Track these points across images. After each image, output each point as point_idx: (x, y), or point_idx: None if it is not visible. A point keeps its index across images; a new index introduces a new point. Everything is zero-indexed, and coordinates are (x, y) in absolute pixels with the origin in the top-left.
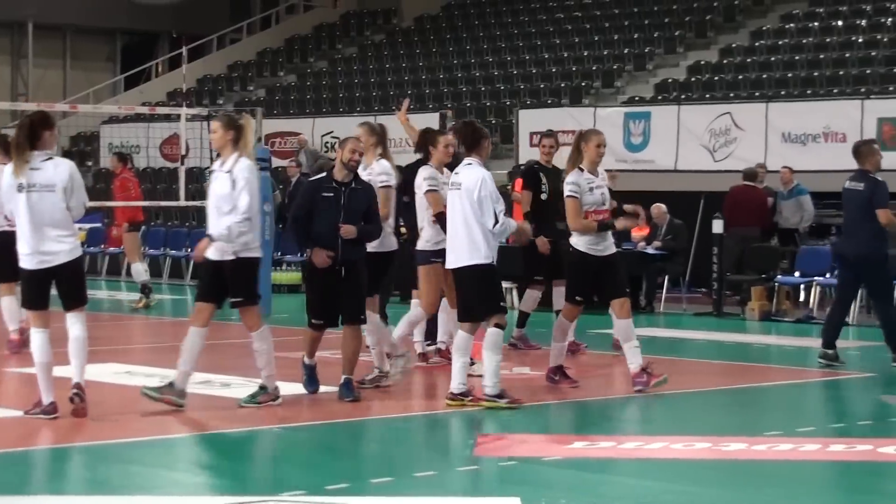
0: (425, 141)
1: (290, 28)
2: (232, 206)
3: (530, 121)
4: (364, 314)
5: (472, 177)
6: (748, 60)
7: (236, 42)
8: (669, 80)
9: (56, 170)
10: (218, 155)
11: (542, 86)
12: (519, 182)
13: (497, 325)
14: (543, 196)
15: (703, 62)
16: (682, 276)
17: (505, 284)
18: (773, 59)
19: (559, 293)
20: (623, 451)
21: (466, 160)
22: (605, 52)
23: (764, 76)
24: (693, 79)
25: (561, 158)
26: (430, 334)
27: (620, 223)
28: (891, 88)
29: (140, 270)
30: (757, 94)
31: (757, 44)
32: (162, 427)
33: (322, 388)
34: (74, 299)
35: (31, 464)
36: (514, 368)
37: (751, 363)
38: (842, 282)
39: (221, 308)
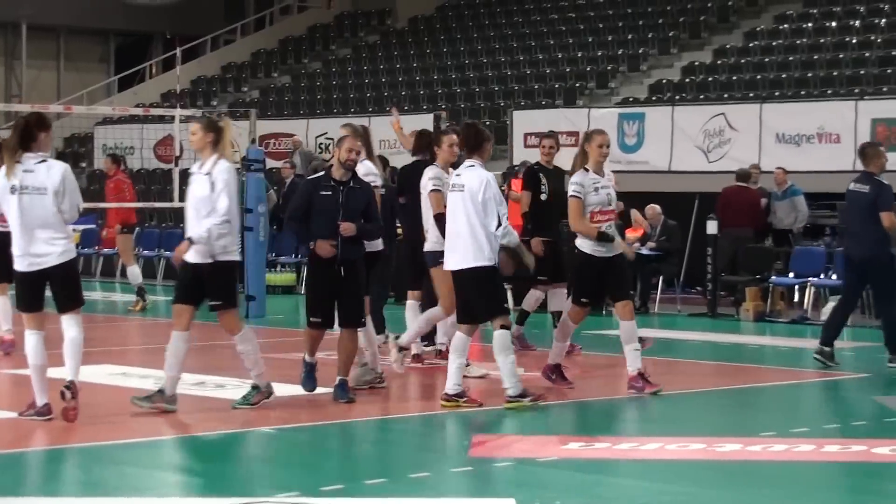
0: (425, 142)
1: (284, 29)
2: (211, 208)
3: (524, 122)
4: (363, 318)
5: (477, 178)
6: (742, 61)
7: (230, 43)
8: (663, 81)
9: (49, 172)
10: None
11: (536, 87)
12: (515, 182)
13: (502, 327)
14: (543, 196)
15: (697, 63)
16: (677, 276)
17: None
18: (766, 59)
19: (553, 294)
20: (618, 452)
21: (468, 162)
22: (600, 53)
23: (758, 77)
24: (687, 79)
25: (560, 159)
26: (428, 335)
27: (621, 246)
28: (885, 89)
29: (136, 273)
30: (751, 94)
31: (751, 44)
32: (157, 429)
33: (319, 389)
34: (68, 301)
35: (25, 466)
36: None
37: (745, 364)
38: (847, 283)
39: (198, 310)
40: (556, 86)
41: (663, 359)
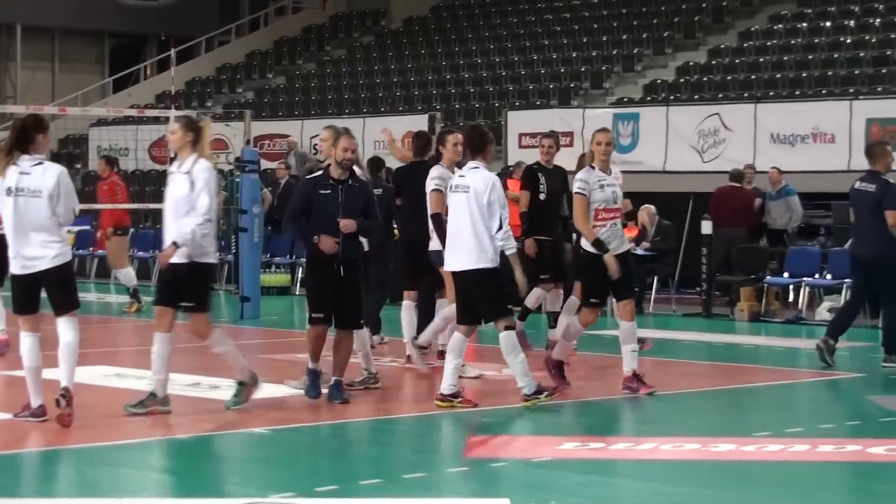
0: (423, 143)
1: (278, 30)
2: (189, 207)
3: (519, 122)
4: (361, 319)
5: (482, 180)
6: (737, 61)
7: (225, 44)
8: (658, 81)
9: (44, 175)
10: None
11: (530, 87)
12: (510, 182)
13: (507, 328)
14: (542, 196)
15: (691, 63)
16: (672, 276)
17: None
18: (761, 59)
19: (551, 294)
20: (613, 452)
21: (472, 163)
22: (594, 54)
23: (752, 77)
24: (682, 80)
25: (560, 159)
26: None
27: (608, 261)
28: (879, 89)
29: (130, 275)
30: (745, 94)
31: (745, 45)
32: (151, 430)
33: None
34: (63, 304)
35: (20, 467)
36: (503, 370)
37: (740, 364)
38: (854, 284)
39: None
40: (551, 86)
41: (658, 359)
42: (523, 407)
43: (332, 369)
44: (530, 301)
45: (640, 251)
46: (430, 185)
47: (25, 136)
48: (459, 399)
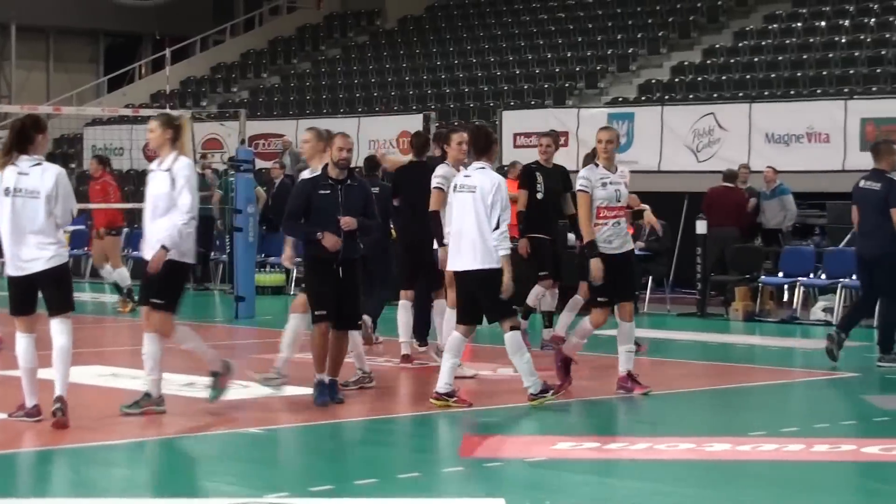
0: (421, 143)
1: (273, 29)
2: (169, 204)
3: (514, 122)
4: (360, 321)
5: (489, 180)
6: (731, 61)
7: (220, 44)
8: (653, 81)
9: (43, 176)
10: (203, 156)
11: (525, 87)
12: (507, 182)
13: (512, 328)
14: (539, 195)
15: (686, 63)
16: (666, 276)
17: None
18: (756, 59)
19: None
20: (608, 452)
21: (478, 164)
22: (589, 53)
23: (747, 77)
24: (676, 79)
25: (555, 159)
26: (420, 334)
27: (593, 268)
28: (874, 89)
29: (124, 275)
30: (740, 94)
31: (740, 44)
32: (146, 430)
33: (309, 390)
34: (58, 306)
35: (15, 467)
36: (498, 370)
37: (735, 364)
38: (862, 284)
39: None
40: (546, 86)
41: (653, 359)
42: (529, 406)
43: (327, 369)
44: (531, 299)
45: (635, 251)
46: (433, 182)
47: (25, 137)
48: (455, 398)
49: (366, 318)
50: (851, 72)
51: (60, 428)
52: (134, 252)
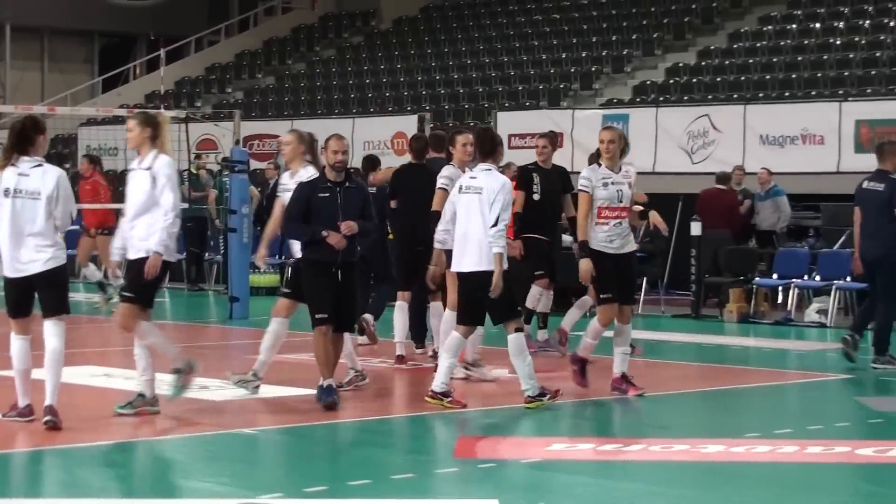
0: (421, 145)
1: (268, 30)
2: (150, 203)
3: (508, 123)
4: (356, 322)
5: (496, 182)
6: (726, 62)
7: (214, 44)
8: (647, 83)
9: (44, 177)
10: (198, 156)
11: (520, 88)
12: None
13: (516, 330)
14: (535, 196)
15: (681, 64)
16: (661, 278)
17: None
18: (750, 61)
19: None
20: (602, 453)
21: (484, 165)
22: (584, 55)
23: (742, 78)
24: (671, 81)
25: (559, 158)
26: (418, 336)
27: (582, 268)
28: (868, 91)
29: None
30: (735, 96)
31: (735, 46)
32: (140, 430)
33: (303, 391)
34: (52, 307)
35: (7, 467)
36: (492, 370)
37: (729, 365)
38: (870, 284)
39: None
40: (540, 87)
41: (647, 360)
42: (525, 408)
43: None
44: (530, 301)
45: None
46: (439, 182)
47: (25, 138)
48: (449, 399)
49: (369, 317)
50: (846, 74)
51: (54, 428)
52: None
